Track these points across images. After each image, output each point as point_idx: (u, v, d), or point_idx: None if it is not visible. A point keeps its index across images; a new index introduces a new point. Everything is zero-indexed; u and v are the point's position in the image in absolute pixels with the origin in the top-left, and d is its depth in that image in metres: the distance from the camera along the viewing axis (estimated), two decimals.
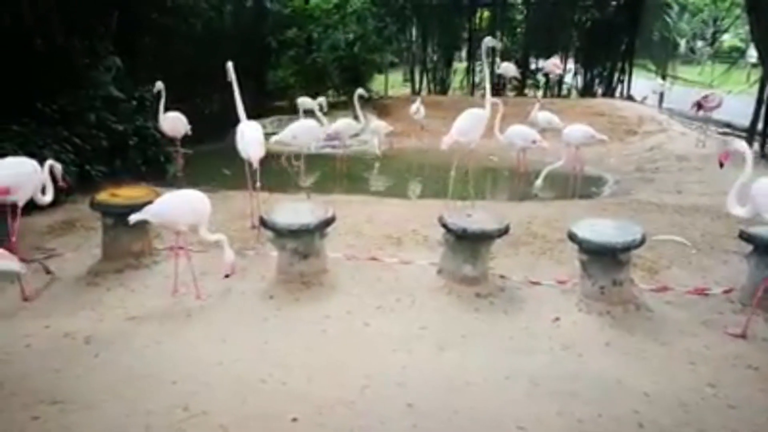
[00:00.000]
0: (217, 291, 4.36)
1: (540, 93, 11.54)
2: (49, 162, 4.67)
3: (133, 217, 4.06)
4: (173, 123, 7.82)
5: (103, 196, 4.90)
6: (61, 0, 7.82)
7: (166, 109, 7.81)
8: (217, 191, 6.97)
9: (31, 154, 5.95)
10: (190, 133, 8.06)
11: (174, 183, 7.69)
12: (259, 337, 3.72)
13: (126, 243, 4.81)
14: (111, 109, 7.71)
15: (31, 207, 4.98)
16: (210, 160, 8.90)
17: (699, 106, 9.97)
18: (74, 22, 7.97)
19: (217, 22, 12.60)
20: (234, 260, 4.14)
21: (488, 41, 6.13)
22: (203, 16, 11.80)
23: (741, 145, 4.11)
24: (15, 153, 5.77)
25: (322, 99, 8.87)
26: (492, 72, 12.30)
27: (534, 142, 7.42)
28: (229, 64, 5.85)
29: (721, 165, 4.11)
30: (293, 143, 7.34)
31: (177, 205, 4.13)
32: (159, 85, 7.68)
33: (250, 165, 5.48)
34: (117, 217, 4.73)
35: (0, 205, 4.35)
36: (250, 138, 5.52)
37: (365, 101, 12.05)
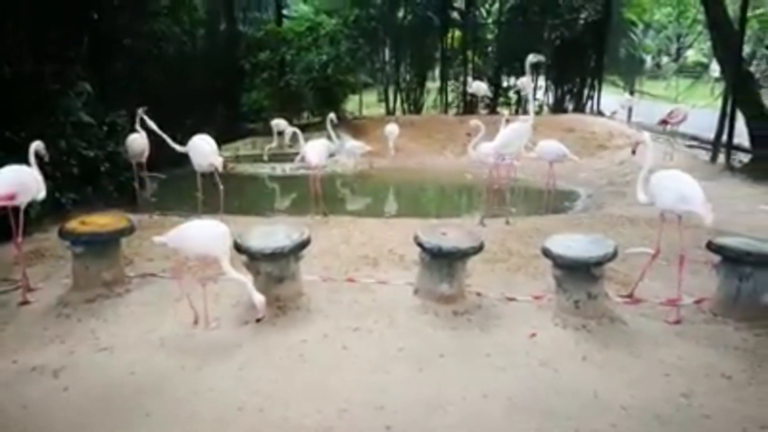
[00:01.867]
0: (189, 318, 4.29)
1: (507, 111, 11.71)
2: (33, 146, 4.86)
3: (157, 240, 4.18)
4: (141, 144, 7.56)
5: (72, 224, 4.80)
6: (31, 26, 7.75)
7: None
8: (190, 215, 6.91)
9: None
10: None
11: (146, 208, 7.60)
12: (234, 365, 3.66)
13: (97, 272, 4.71)
14: (82, 135, 7.61)
15: None
16: (182, 184, 8.81)
17: (664, 122, 10.25)
18: (44, 48, 7.90)
19: (190, 45, 12.62)
20: (263, 301, 3.95)
21: (531, 58, 6.41)
22: (176, 40, 11.80)
23: (645, 137, 4.97)
24: None
25: (332, 115, 8.96)
26: (534, 90, 12.83)
27: (565, 156, 7.56)
28: (140, 113, 6.93)
29: (633, 152, 5.45)
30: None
31: (197, 235, 4.08)
32: (140, 112, 7.30)
33: (210, 174, 6.14)
34: (87, 245, 4.64)
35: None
36: (202, 147, 6.30)
37: (339, 122, 12.16)
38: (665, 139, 11.34)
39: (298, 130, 7.87)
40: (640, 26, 20.72)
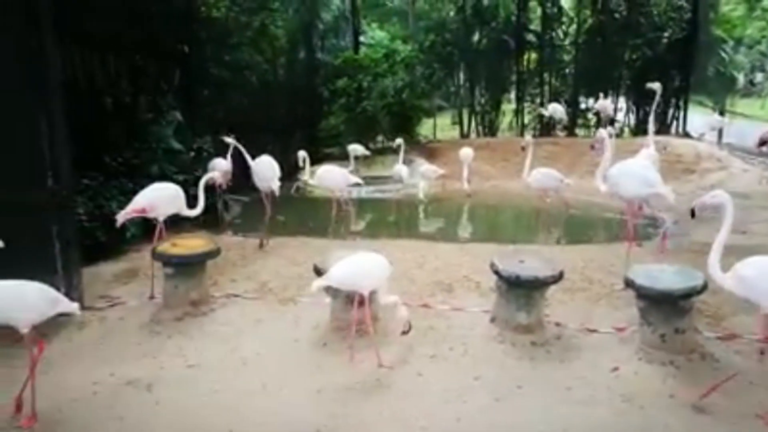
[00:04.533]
0: (270, 338, 4.43)
1: (528, 136, 11.28)
2: (206, 177, 5.86)
3: (318, 284, 3.93)
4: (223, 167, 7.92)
5: (164, 246, 5.12)
6: (131, 60, 8.39)
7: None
8: (272, 237, 7.16)
9: (98, 207, 6.36)
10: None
11: (230, 230, 7.95)
12: (313, 386, 3.75)
13: (185, 291, 4.97)
14: (172, 161, 8.08)
15: (97, 256, 5.75)
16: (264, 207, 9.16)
17: (763, 142, 9.63)
18: (141, 80, 8.52)
19: (271, 74, 13.17)
20: (407, 316, 4.09)
21: (650, 85, 7.00)
22: (258, 69, 12.37)
23: (602, 134, 5.34)
24: (85, 206, 6.18)
25: (400, 140, 9.33)
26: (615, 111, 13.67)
27: (561, 181, 7.68)
28: (231, 141, 7.46)
29: (592, 147, 5.66)
30: None
31: (358, 271, 3.99)
32: (231, 140, 7.64)
33: (269, 195, 6.57)
34: (176, 266, 4.92)
35: (147, 219, 5.56)
36: (265, 171, 6.80)
37: (414, 145, 12.32)
38: (761, 162, 10.68)
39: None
40: (730, 43, 19.73)
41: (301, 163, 7.44)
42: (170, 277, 4.98)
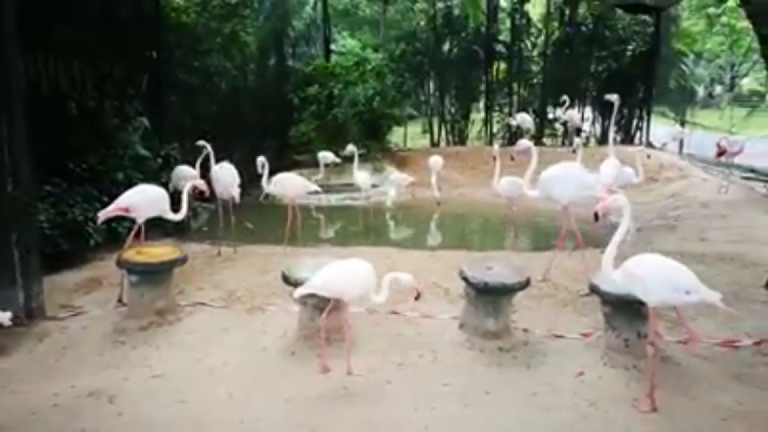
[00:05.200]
0: (238, 347, 4.38)
1: (496, 145, 11.24)
2: (191, 184, 5.79)
3: (300, 292, 3.82)
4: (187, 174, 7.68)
5: (129, 253, 5.02)
6: (96, 65, 8.23)
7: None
8: (239, 245, 7.09)
9: (61, 213, 6.21)
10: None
11: (198, 237, 7.84)
12: (281, 395, 3.72)
13: (151, 300, 4.88)
14: (138, 168, 7.94)
15: (59, 265, 5.68)
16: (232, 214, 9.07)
17: (721, 153, 9.95)
18: (107, 85, 8.36)
19: (241, 80, 13.08)
20: (412, 281, 3.87)
21: (608, 97, 7.31)
22: (228, 76, 12.26)
23: (524, 143, 5.98)
24: (47, 212, 6.03)
25: (351, 147, 9.26)
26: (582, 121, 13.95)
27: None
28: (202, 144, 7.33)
29: (512, 159, 5.98)
30: None
31: (343, 277, 3.82)
32: (204, 145, 7.43)
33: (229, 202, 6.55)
34: (142, 274, 4.83)
35: (129, 219, 5.42)
36: (224, 177, 6.82)
37: (384, 153, 12.36)
38: (720, 171, 11.02)
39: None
40: (691, 56, 20.33)
41: (260, 170, 7.22)
42: (135, 285, 4.88)
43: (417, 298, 3.91)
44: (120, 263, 4.95)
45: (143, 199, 5.34)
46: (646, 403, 3.51)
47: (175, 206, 5.53)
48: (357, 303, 4.25)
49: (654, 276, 3.49)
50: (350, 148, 9.25)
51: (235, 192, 6.91)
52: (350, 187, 10.34)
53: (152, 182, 7.95)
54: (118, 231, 7.11)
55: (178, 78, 11.01)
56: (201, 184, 5.97)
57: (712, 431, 3.31)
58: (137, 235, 5.35)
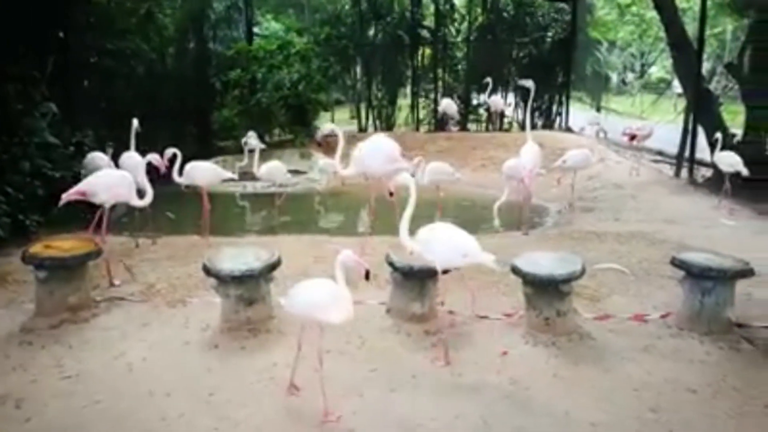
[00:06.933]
0: (158, 342, 4.22)
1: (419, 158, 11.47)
2: (148, 158, 5.67)
3: (283, 303, 3.56)
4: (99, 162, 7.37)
5: (36, 248, 4.70)
6: None
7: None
8: (159, 236, 6.83)
9: None
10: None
11: (115, 229, 7.45)
12: (204, 390, 3.61)
13: (62, 297, 4.59)
14: (47, 156, 7.47)
15: None
16: (153, 204, 8.70)
17: (631, 137, 10.51)
18: (8, 68, 7.75)
19: (160, 63, 12.52)
20: (358, 260, 3.41)
21: (522, 82, 7.39)
22: (145, 58, 11.70)
23: (329, 126, 6.49)
24: None
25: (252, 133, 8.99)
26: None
27: (452, 175, 7.70)
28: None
29: (319, 144, 5.78)
30: None
31: (318, 299, 3.41)
32: (135, 123, 7.37)
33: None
34: (51, 269, 4.53)
35: (92, 204, 5.30)
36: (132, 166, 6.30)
37: (310, 139, 12.22)
38: (631, 155, 11.62)
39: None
40: (605, 44, 21.28)
41: (166, 162, 6.68)
42: (44, 281, 4.57)
43: (367, 277, 3.50)
44: (26, 258, 4.62)
45: (99, 183, 5.23)
46: (440, 358, 3.93)
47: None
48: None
49: (439, 240, 3.92)
50: (252, 141, 9.01)
51: (142, 179, 5.96)
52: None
53: (63, 171, 7.55)
54: (26, 224, 6.68)
55: (90, 61, 10.40)
56: (156, 159, 5.77)
57: (624, 401, 3.49)
58: (99, 224, 5.24)
